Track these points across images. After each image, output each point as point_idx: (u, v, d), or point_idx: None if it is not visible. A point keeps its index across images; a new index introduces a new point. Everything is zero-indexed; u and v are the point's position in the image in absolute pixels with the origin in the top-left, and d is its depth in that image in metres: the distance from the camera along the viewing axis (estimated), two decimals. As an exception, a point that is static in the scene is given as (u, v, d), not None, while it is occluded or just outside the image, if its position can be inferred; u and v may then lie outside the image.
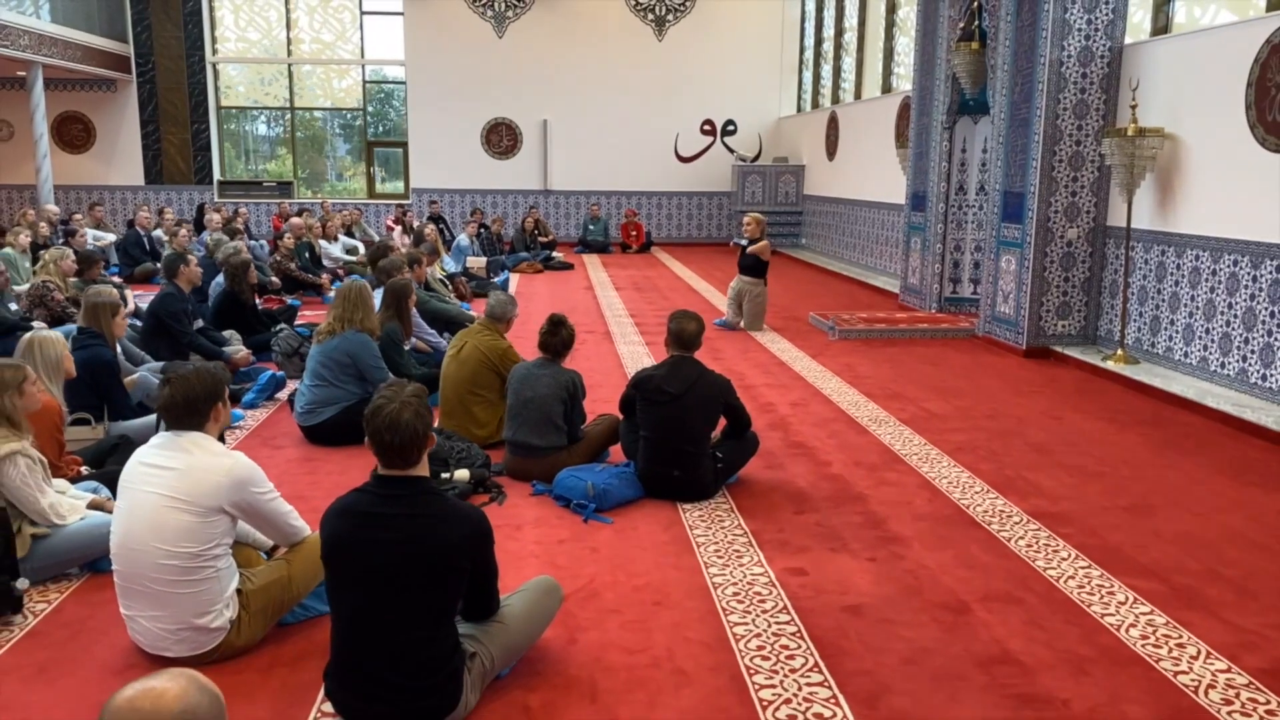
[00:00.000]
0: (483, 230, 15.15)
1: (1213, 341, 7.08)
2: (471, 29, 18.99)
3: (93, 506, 3.98)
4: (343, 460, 5.39)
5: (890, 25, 14.71)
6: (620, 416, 5.23)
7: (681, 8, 19.27)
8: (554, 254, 15.95)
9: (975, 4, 9.47)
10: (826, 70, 18.19)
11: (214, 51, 19.45)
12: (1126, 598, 3.77)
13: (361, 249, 14.59)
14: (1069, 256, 8.39)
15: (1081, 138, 8.20)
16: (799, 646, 3.35)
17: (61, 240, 11.68)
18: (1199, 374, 7.20)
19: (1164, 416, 6.55)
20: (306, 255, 12.23)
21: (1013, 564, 4.10)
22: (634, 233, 18.46)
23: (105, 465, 4.66)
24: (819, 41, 18.49)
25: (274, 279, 11.20)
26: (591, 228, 18.49)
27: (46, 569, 3.72)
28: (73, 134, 19.31)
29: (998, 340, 8.93)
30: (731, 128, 19.74)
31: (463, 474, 4.80)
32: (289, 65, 19.72)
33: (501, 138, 19.43)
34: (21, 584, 3.49)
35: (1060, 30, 8.04)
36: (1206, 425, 6.32)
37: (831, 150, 16.45)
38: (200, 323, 7.33)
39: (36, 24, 15.29)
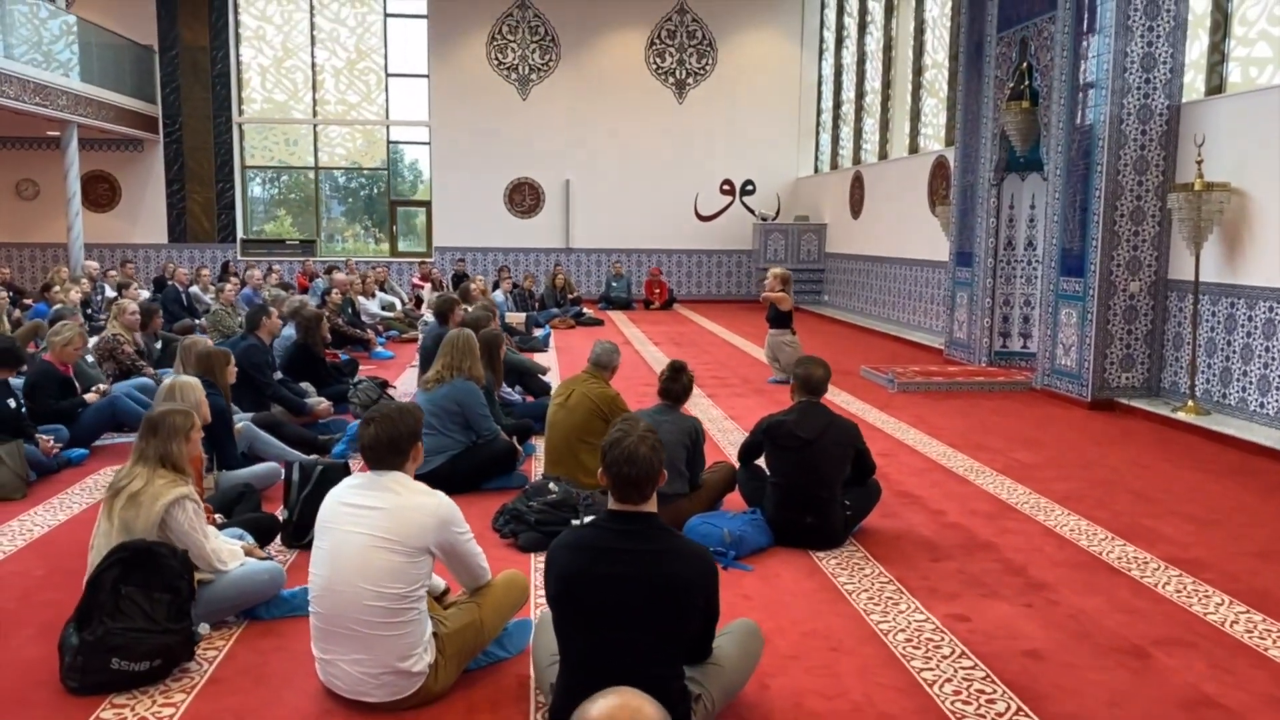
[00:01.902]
0: (515, 287, 15.21)
1: (1291, 392, 7.14)
2: (495, 90, 19.30)
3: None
4: (464, 505, 5.32)
5: (917, 88, 15.02)
6: (736, 464, 5.22)
7: (701, 71, 19.64)
8: (584, 310, 16.01)
9: (1025, 64, 9.69)
10: (846, 131, 18.50)
11: (240, 112, 19.67)
12: (1299, 641, 3.75)
13: (399, 305, 14.66)
14: (1131, 309, 8.48)
15: (1142, 193, 8.35)
16: (996, 691, 3.30)
17: (108, 297, 11.67)
18: (1277, 424, 7.23)
19: (1252, 465, 6.57)
20: (349, 311, 12.26)
21: (1169, 609, 4.07)
22: (658, 290, 18.59)
23: (233, 513, 4.61)
24: (838, 104, 18.85)
25: (367, 333, 11.35)
26: (615, 285, 18.61)
27: (208, 616, 3.65)
28: (98, 193, 19.41)
29: (1059, 393, 8.97)
30: (750, 187, 20.01)
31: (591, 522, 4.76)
32: (314, 126, 19.94)
33: (524, 197, 19.63)
34: (203, 629, 3.43)
35: (1120, 89, 8.23)
36: (1299, 474, 6.34)
37: (856, 209, 16.67)
38: (278, 374, 7.30)
39: (73, 84, 15.45)
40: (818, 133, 20.05)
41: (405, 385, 9.24)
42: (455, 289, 16.09)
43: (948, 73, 13.86)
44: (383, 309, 13.86)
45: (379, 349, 11.62)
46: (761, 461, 5.14)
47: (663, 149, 19.51)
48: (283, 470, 5.63)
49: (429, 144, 19.58)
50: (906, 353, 12.19)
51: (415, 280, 17.70)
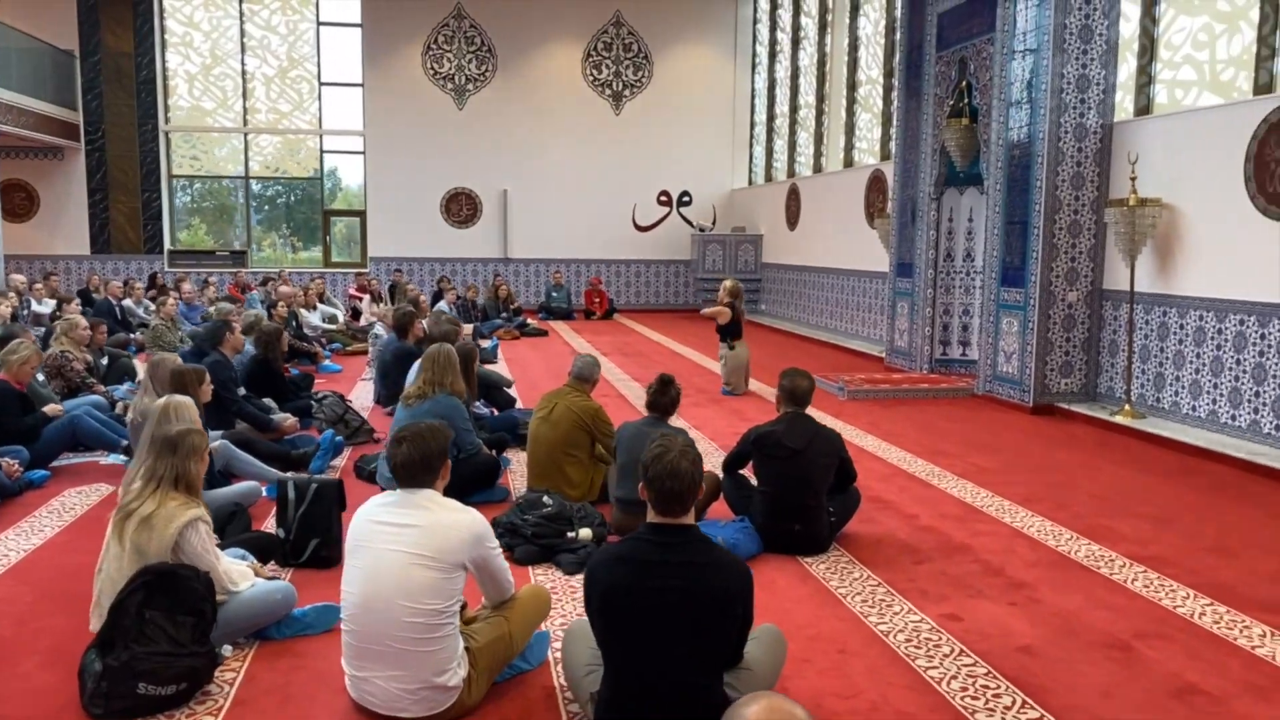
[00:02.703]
0: (459, 299, 15.16)
1: (1222, 395, 7.56)
2: (431, 100, 19.19)
3: (250, 573, 3.91)
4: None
5: (851, 103, 15.43)
6: (720, 474, 5.36)
7: (638, 83, 19.83)
8: (527, 320, 16.03)
9: (964, 82, 10.06)
10: (781, 145, 18.88)
11: (166, 120, 19.18)
12: (1264, 630, 4.01)
13: (340, 317, 14.47)
14: (1070, 318, 8.87)
15: (1079, 207, 8.75)
16: (1000, 686, 3.48)
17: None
18: (1209, 426, 7.66)
19: (1190, 466, 6.95)
20: (294, 324, 12.07)
21: (1142, 604, 4.32)
22: (598, 299, 18.68)
23: (225, 534, 4.57)
24: (771, 117, 19.22)
25: (315, 347, 11.17)
26: (555, 295, 18.64)
27: (223, 637, 3.63)
28: (15, 202, 18.70)
29: (1000, 399, 9.33)
30: (687, 198, 20.26)
31: (586, 533, 4.84)
32: (245, 135, 19.55)
33: (461, 207, 19.56)
34: (226, 650, 3.41)
35: (1058, 109, 8.62)
36: (1234, 473, 6.73)
37: (793, 220, 17.01)
38: (242, 390, 7.19)
39: (-6, 90, 14.91)
40: (751, 145, 20.40)
41: (360, 399, 9.17)
42: (393, 300, 16.01)
43: (882, 88, 14.28)
44: (324, 321, 13.67)
45: (326, 362, 11.47)
46: (745, 471, 5.28)
47: (600, 159, 19.63)
48: (262, 488, 5.59)
49: (363, 153, 19.37)
50: (847, 360, 12.49)
51: (351, 291, 17.51)
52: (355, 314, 16.09)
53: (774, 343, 14.55)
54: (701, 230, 19.09)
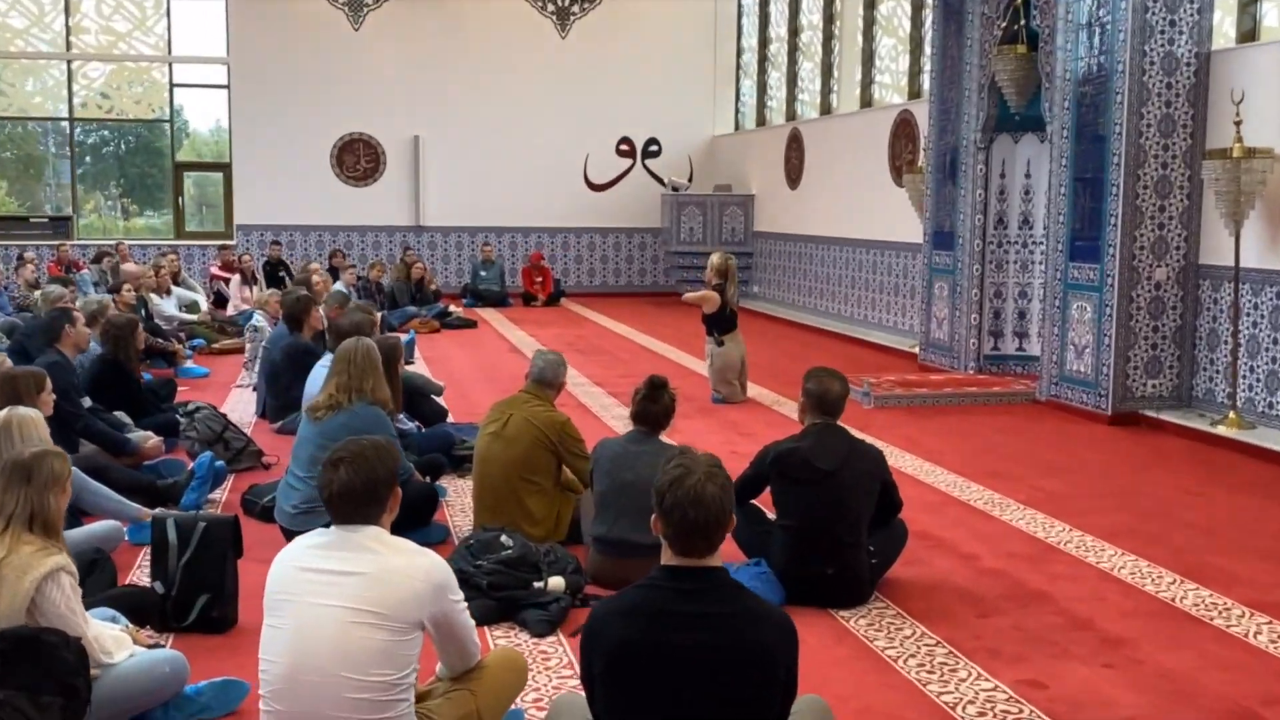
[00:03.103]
0: (360, 280, 15.12)
1: (1351, 399, 7.81)
2: (317, 19, 19.09)
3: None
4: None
5: (870, 24, 15.64)
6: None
7: (590, -3, 19.92)
8: (450, 308, 16.03)
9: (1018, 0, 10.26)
10: (776, 78, 19.06)
11: (-38, 43, 18.88)
12: None
13: (203, 304, 14.39)
14: (1157, 302, 9.09)
15: (1168, 159, 8.98)
16: (1102, 767, 3.60)
17: None
18: (1336, 438, 7.91)
19: (1316, 489, 7.17)
20: (143, 313, 11.97)
21: (1269, 662, 4.48)
22: (539, 280, 18.71)
23: (86, 588, 4.55)
24: (764, 43, 19.40)
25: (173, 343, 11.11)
26: (483, 274, 18.64)
27: (98, 723, 3.63)
28: None
29: (1069, 405, 9.52)
30: (655, 148, 20.35)
31: (558, 582, 4.90)
32: (68, 63, 19.29)
33: (358, 159, 19.49)
34: (104, 741, 3.42)
35: (1141, 32, 8.83)
36: (1370, 497, 6.96)
37: (794, 176, 17.18)
38: (88, 401, 7.15)
39: None
40: (738, 79, 20.55)
41: (238, 412, 9.14)
42: (270, 282, 15.93)
43: (910, 5, 14.48)
44: (181, 310, 13.58)
45: (187, 364, 11.40)
46: (759, 501, 5.37)
47: (542, 97, 19.65)
48: (124, 529, 5.58)
49: (227, 88, 19.21)
50: (869, 358, 12.66)
51: (214, 270, 17.38)
52: (220, 300, 16.02)
53: (771, 335, 14.70)
54: (675, 189, 19.19)
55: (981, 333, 11.19)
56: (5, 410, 4.42)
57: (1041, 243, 10.85)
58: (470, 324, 15.60)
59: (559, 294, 18.87)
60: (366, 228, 19.60)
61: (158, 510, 5.83)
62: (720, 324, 9.82)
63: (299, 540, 3.35)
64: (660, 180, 20.08)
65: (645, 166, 20.37)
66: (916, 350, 12.33)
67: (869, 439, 8.23)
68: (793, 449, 5.03)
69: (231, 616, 4.65)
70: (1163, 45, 8.87)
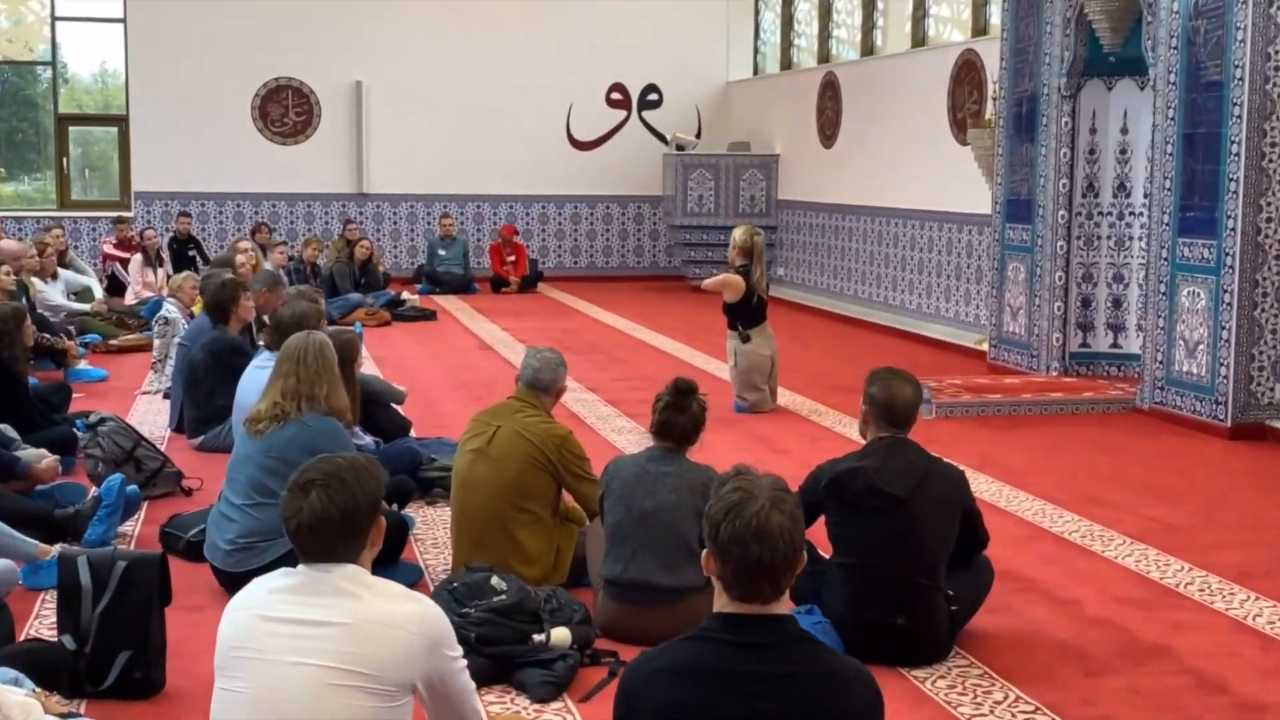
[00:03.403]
0: (292, 260, 15.12)
1: None
2: (237, -63, 19.06)
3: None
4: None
5: (923, -57, 15.67)
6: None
7: (574, -90, 19.90)
8: (402, 296, 16.03)
9: (1112, -85, 10.27)
10: (806, 10, 19.08)
11: None
12: None
13: (97, 290, 14.36)
14: (1288, 288, 9.12)
15: (1301, 111, 9.00)
16: None
17: None
18: None
19: None
20: (24, 302, 11.92)
21: None
22: (512, 260, 18.70)
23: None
24: (791, -34, 19.45)
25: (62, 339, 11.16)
26: (442, 254, 18.63)
27: (-3, 814, 3.60)
28: None
29: (1179, 415, 9.52)
30: (654, 97, 20.36)
31: (562, 634, 4.87)
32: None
33: (286, 110, 19.48)
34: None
35: (1266, -46, 8.85)
36: None
37: (829, 133, 17.21)
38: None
39: None
40: (757, 11, 20.57)
41: (148, 424, 9.10)
42: (178, 263, 15.91)
43: (974, -79, 14.52)
44: (69, 298, 13.51)
45: (80, 364, 11.37)
46: (810, 532, 5.36)
47: (513, 36, 19.64)
48: (17, 570, 5.54)
49: (123, 22, 19.15)
50: (926, 357, 12.67)
51: (108, 249, 17.35)
52: (116, 286, 15.97)
53: (802, 329, 14.71)
54: (680, 149, 19.21)
55: (1068, 325, 11.20)
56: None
57: (1142, 214, 10.86)
58: (429, 315, 15.58)
59: (536, 277, 18.85)
60: (297, 196, 19.57)
61: (58, 546, 5.80)
62: (745, 316, 9.83)
63: (258, 583, 3.32)
64: (662, 137, 20.13)
65: (643, 120, 20.38)
66: (985, 347, 12.33)
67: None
68: (854, 470, 5.01)
69: (159, 678, 4.62)
70: (1293, -30, 8.89)
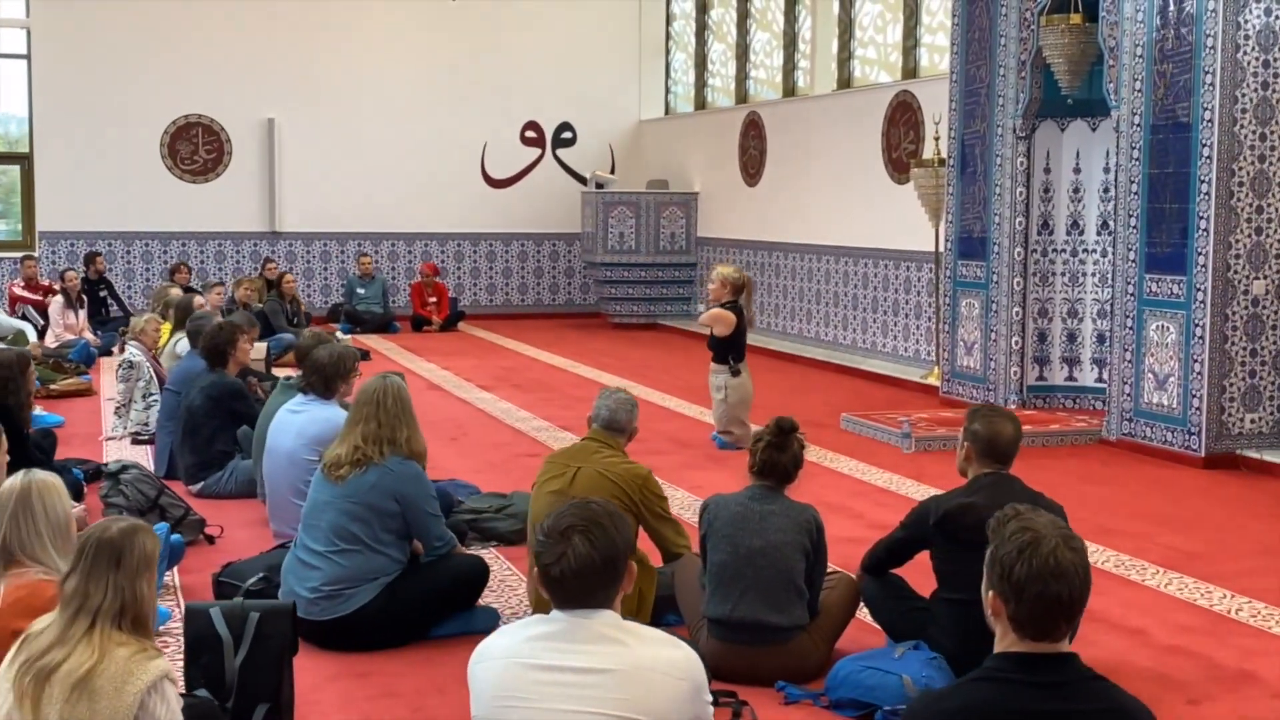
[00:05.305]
0: (233, 302, 14.87)
1: None
2: (144, -29, 18.75)
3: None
4: (411, 674, 5.31)
5: (848, -20, 15.97)
6: (858, 575, 5.50)
7: (486, -54, 19.92)
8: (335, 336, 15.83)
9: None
10: (720, 50, 19.31)
11: None
12: None
13: (31, 334, 14.01)
14: (1255, 320, 9.45)
15: (1266, 151, 9.36)
16: None
17: None
18: None
19: None
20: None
21: None
22: (434, 299, 18.58)
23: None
24: (703, 7, 19.65)
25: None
26: (361, 292, 18.47)
27: None
28: None
29: (1150, 446, 9.79)
30: (568, 135, 20.42)
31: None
32: None
33: (196, 148, 19.15)
34: None
35: (1234, 1, 9.20)
36: None
37: (753, 171, 17.40)
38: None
39: None
40: (668, 51, 20.76)
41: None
42: (92, 307, 15.57)
43: (902, -36, 14.85)
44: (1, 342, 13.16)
45: (36, 410, 11.01)
46: (902, 570, 5.44)
47: (428, 70, 19.59)
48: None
49: (26, 58, 18.70)
50: (876, 392, 12.88)
51: (15, 290, 16.87)
52: (34, 329, 15.56)
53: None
54: (600, 186, 19.23)
55: (1025, 359, 11.44)
56: (20, 475, 4.25)
57: (1095, 250, 11.18)
58: (363, 355, 15.38)
59: (458, 316, 18.77)
60: (208, 234, 19.23)
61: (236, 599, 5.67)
62: (737, 350, 9.93)
63: (510, 631, 3.33)
64: (576, 175, 20.18)
65: (556, 158, 20.43)
66: (933, 380, 12.58)
67: (926, 489, 8.47)
68: (965, 506, 5.07)
69: (290, 734, 4.55)
70: (1258, 16, 9.25)
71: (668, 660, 3.21)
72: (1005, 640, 2.99)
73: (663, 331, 18.45)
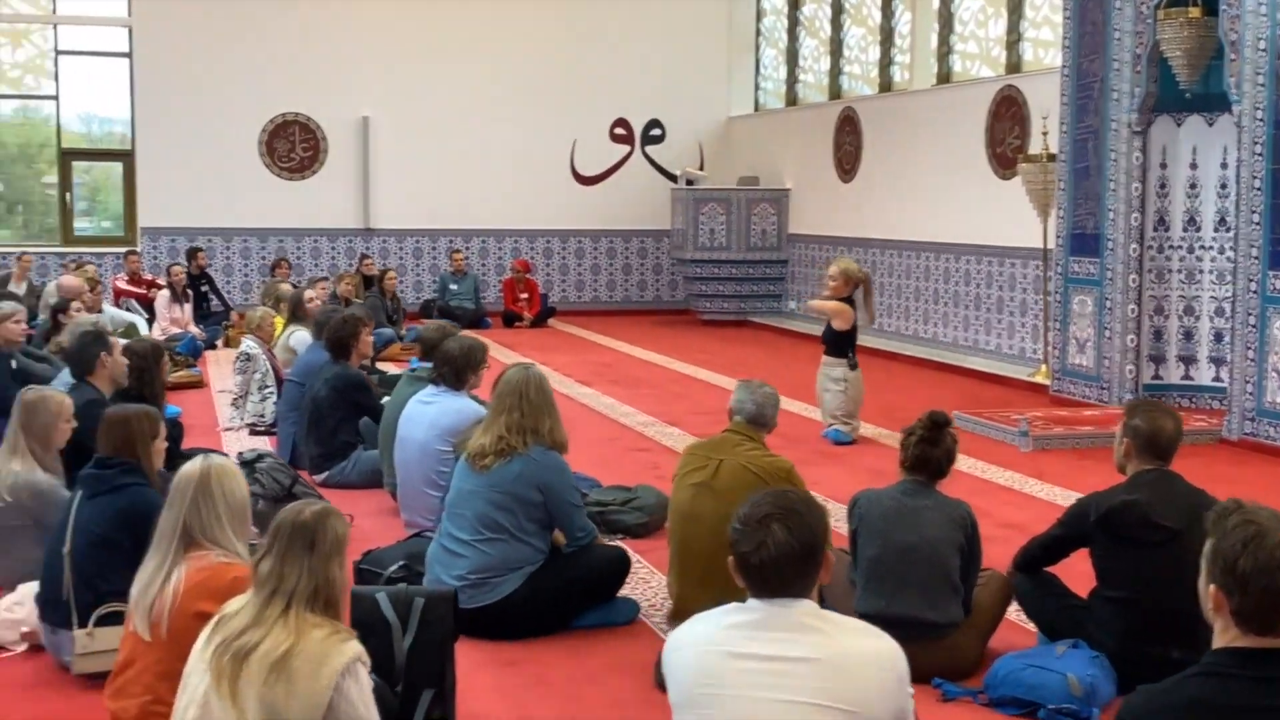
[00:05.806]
0: (335, 297, 14.97)
1: None
2: (242, -29, 18.96)
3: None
4: (560, 664, 5.33)
5: (946, -25, 15.86)
6: (1010, 572, 5.45)
7: (577, -55, 19.98)
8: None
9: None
10: (812, 46, 19.23)
11: None
12: None
13: (143, 326, 14.23)
14: (1382, 318, 9.29)
15: (1395, 145, 9.19)
16: None
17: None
18: None
19: None
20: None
21: None
22: (525, 296, 18.64)
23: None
24: (795, 2, 19.55)
25: None
26: (454, 288, 18.55)
27: None
28: None
29: (1274, 445, 9.61)
30: (657, 132, 20.42)
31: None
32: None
33: (294, 146, 19.33)
34: None
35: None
36: None
37: (848, 167, 17.31)
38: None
39: None
40: (758, 47, 20.71)
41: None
42: (186, 298, 15.75)
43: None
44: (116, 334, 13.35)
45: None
46: (1055, 567, 5.38)
47: (518, 68, 19.64)
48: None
49: (129, 56, 18.96)
50: (983, 391, 12.75)
51: (120, 284, 17.10)
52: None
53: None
54: (690, 183, 19.22)
55: (1140, 357, 11.30)
56: (199, 460, 4.30)
57: (1211, 247, 11.02)
58: (462, 350, 15.50)
59: (548, 312, 18.80)
60: (304, 231, 19.41)
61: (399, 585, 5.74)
62: (853, 343, 9.91)
63: (707, 619, 3.31)
64: (664, 172, 20.18)
65: (645, 155, 20.42)
66: (1041, 379, 12.45)
67: (1046, 489, 8.28)
68: (1128, 503, 5.01)
69: (451, 717, 4.56)
70: (1389, 8, 9.10)
71: (874, 651, 3.18)
72: (1226, 635, 2.94)
73: (753, 328, 18.46)
